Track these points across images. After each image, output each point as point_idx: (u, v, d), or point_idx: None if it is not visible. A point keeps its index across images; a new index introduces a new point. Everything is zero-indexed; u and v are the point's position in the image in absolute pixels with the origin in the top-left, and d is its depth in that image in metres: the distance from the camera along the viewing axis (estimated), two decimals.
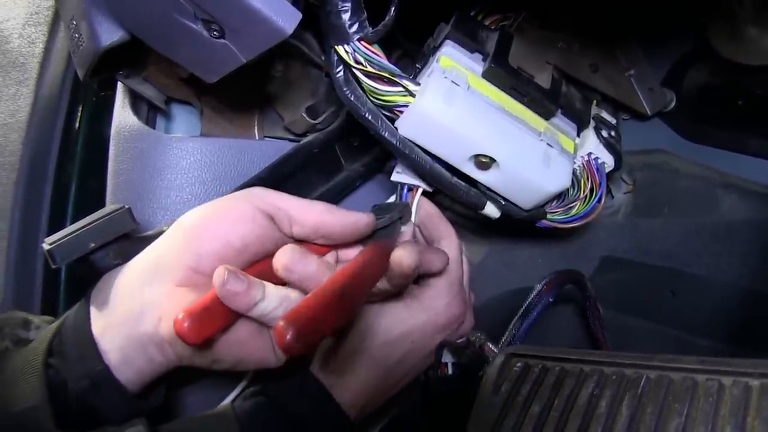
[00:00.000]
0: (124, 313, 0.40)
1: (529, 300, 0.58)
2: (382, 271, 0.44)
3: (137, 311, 0.39)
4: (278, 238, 0.44)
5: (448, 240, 0.54)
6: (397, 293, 0.48)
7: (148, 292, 0.40)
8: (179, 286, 0.40)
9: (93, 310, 0.41)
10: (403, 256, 0.43)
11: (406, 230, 0.54)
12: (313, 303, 0.35)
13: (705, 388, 0.36)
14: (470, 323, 0.55)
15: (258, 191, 0.45)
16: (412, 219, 0.53)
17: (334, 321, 0.35)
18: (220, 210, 0.43)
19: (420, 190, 0.53)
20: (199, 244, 0.41)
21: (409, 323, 0.50)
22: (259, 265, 0.43)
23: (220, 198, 0.44)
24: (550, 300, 0.59)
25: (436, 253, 0.50)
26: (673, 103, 0.61)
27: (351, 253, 0.49)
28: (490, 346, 0.52)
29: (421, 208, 0.55)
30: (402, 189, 0.54)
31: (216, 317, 0.38)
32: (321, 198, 0.57)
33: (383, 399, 0.51)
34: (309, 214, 0.44)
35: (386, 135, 0.46)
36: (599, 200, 0.54)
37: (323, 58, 0.55)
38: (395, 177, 0.54)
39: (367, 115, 0.46)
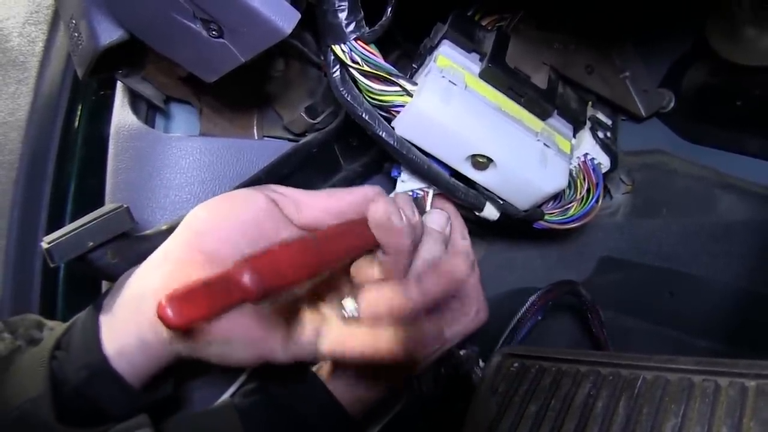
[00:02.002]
0: (126, 301, 0.40)
1: (518, 316, 0.58)
2: (369, 235, 0.42)
3: (138, 297, 0.39)
4: (280, 222, 0.43)
5: (468, 240, 0.53)
6: (401, 266, 0.45)
7: (150, 276, 0.40)
8: (180, 267, 0.39)
9: (104, 305, 0.41)
10: (373, 205, 0.41)
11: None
12: (277, 246, 0.33)
13: (701, 389, 0.36)
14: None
15: (267, 184, 0.45)
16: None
17: (300, 267, 0.33)
18: (224, 195, 0.43)
19: (431, 193, 0.52)
20: (199, 224, 0.41)
21: (446, 335, 0.49)
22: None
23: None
24: (539, 318, 0.59)
25: (432, 212, 0.49)
26: (672, 103, 0.61)
27: None
28: (476, 369, 0.51)
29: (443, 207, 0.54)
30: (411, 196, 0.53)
31: (204, 302, 0.35)
32: None
33: (387, 393, 0.50)
34: (316, 196, 0.44)
35: (383, 135, 0.46)
36: (596, 201, 0.54)
37: (321, 57, 0.55)
38: (400, 186, 0.53)
39: (363, 114, 0.46)
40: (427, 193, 0.52)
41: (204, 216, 0.41)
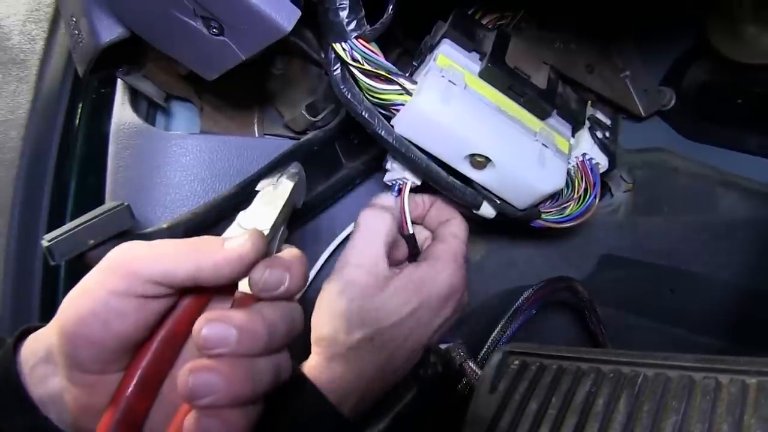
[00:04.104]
0: (38, 395, 0.36)
1: (512, 311, 0.57)
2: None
3: (45, 400, 0.36)
4: (151, 310, 0.34)
5: (456, 219, 0.56)
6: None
7: (49, 383, 0.36)
8: (72, 386, 0.35)
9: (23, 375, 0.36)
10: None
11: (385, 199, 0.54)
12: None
13: (702, 386, 0.36)
14: (466, 299, 0.56)
15: (114, 264, 0.34)
16: (407, 214, 0.54)
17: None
18: (87, 314, 0.34)
19: (408, 184, 0.53)
20: (72, 347, 0.34)
21: (415, 301, 0.50)
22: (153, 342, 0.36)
23: (84, 285, 0.35)
24: (533, 312, 0.58)
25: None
26: (673, 101, 0.62)
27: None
28: (471, 365, 0.51)
29: (418, 204, 0.56)
30: (394, 187, 0.54)
31: None
32: (320, 196, 0.57)
33: (383, 386, 0.50)
34: (176, 253, 0.34)
35: (383, 133, 0.47)
36: (594, 200, 0.54)
37: (323, 55, 0.55)
38: (388, 176, 0.54)
39: (363, 113, 0.46)
40: (405, 184, 0.53)
41: (67, 335, 0.34)
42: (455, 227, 0.55)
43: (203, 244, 0.35)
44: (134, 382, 0.34)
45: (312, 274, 0.57)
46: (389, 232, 0.52)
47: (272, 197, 0.41)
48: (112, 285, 0.33)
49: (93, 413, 0.34)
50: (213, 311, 0.34)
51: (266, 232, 0.37)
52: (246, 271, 0.35)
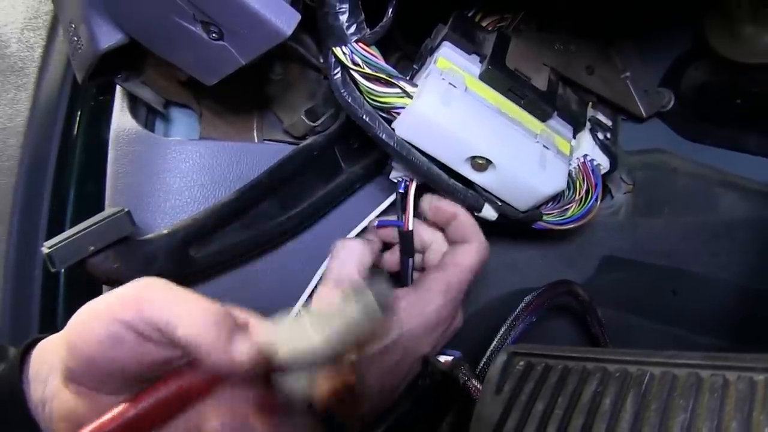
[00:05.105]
0: (35, 399, 0.37)
1: (511, 318, 0.56)
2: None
3: (40, 399, 0.37)
4: (150, 350, 0.34)
5: (470, 246, 0.51)
6: None
7: (47, 386, 0.37)
8: (63, 389, 0.36)
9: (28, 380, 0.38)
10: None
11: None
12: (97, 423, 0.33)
13: (710, 384, 0.36)
14: (459, 322, 0.54)
15: (128, 294, 0.35)
16: (410, 217, 0.53)
17: None
18: (88, 329, 0.34)
19: (415, 181, 0.52)
20: (67, 354, 0.35)
21: (400, 331, 0.49)
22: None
23: (96, 302, 0.35)
24: (533, 320, 0.58)
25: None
26: (672, 102, 0.62)
27: None
28: (475, 383, 0.49)
29: (445, 211, 0.52)
30: (400, 184, 0.54)
31: None
32: (320, 201, 0.57)
33: (377, 411, 0.50)
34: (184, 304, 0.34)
35: (383, 137, 0.47)
36: (595, 202, 0.54)
37: (322, 60, 0.55)
38: (394, 174, 0.54)
39: (364, 116, 0.46)
40: (412, 181, 0.52)
41: (70, 348, 0.35)
42: (462, 255, 0.51)
43: (219, 322, 0.34)
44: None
45: (313, 281, 0.56)
46: (363, 256, 0.51)
47: (331, 319, 0.35)
48: (118, 312, 0.33)
49: (73, 425, 0.34)
50: None
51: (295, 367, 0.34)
52: (238, 377, 0.34)
